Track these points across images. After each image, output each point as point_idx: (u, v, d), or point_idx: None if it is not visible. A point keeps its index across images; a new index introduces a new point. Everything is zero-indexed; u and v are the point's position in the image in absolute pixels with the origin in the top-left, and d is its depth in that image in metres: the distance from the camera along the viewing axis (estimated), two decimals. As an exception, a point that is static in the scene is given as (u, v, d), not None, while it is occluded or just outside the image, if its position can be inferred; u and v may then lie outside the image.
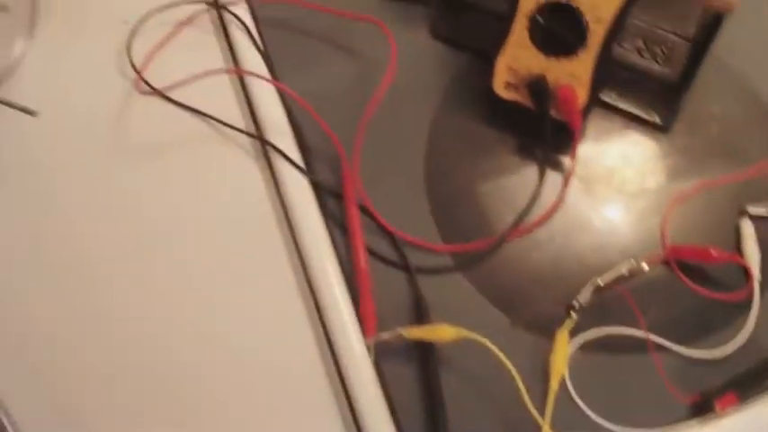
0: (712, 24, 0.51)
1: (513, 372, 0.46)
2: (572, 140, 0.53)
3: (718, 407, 0.46)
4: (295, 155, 0.54)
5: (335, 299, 0.50)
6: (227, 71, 0.58)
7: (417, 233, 0.52)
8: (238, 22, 0.58)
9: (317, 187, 0.53)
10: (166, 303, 0.51)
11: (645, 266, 0.51)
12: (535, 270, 0.52)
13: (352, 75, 0.57)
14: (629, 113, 0.56)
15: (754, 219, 0.53)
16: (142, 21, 0.58)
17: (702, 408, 0.47)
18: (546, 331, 0.49)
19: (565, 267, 0.52)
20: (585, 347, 0.49)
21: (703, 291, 0.50)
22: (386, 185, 0.54)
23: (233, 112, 0.57)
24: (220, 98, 0.57)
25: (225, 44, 0.59)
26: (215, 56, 0.59)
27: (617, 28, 0.49)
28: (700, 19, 0.52)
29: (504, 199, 0.54)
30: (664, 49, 0.55)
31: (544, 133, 0.53)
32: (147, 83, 0.56)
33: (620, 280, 0.51)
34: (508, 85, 0.53)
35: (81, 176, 0.55)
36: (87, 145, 0.56)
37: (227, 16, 0.59)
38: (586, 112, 0.53)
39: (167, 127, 0.56)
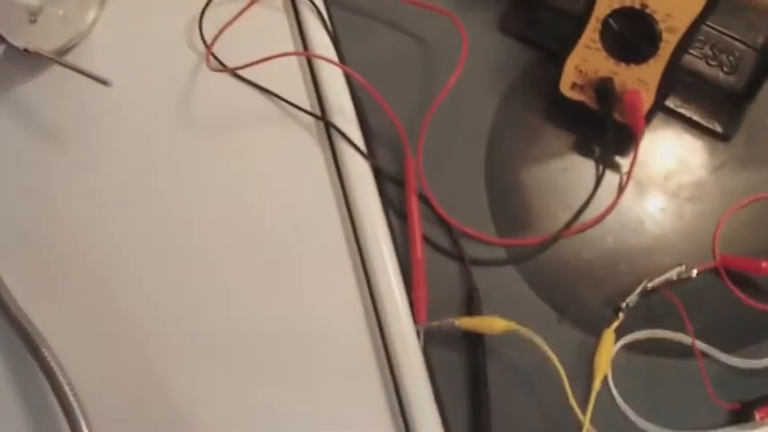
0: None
1: (559, 367, 0.47)
2: (633, 144, 0.54)
3: (758, 416, 0.48)
4: (358, 139, 0.55)
5: (389, 282, 0.51)
6: (296, 53, 0.59)
7: (473, 225, 0.54)
8: (309, 3, 0.59)
9: (378, 173, 0.55)
10: (224, 277, 0.53)
11: (694, 273, 0.52)
12: (586, 269, 0.53)
13: (421, 64, 0.58)
14: (691, 120, 0.57)
15: (808, 234, 0.53)
16: (214, -6, 0.59)
17: (742, 416, 0.48)
18: (592, 330, 0.51)
19: (615, 268, 0.53)
20: (630, 348, 0.50)
21: (751, 301, 0.51)
22: (445, 176, 0.55)
23: (298, 93, 0.57)
24: (286, 78, 0.58)
25: (294, 22, 0.60)
26: (284, 34, 0.59)
27: (690, 38, 0.49)
28: (770, 30, 0.53)
29: (561, 196, 0.55)
30: (731, 58, 0.55)
31: (606, 135, 0.54)
32: (216, 58, 0.57)
33: (668, 284, 0.52)
34: (574, 86, 0.54)
35: (146, 147, 0.56)
36: (153, 116, 0.57)
37: (299, -4, 0.60)
38: (650, 116, 0.54)
39: (233, 103, 0.57)
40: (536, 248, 0.54)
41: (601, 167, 0.55)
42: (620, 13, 0.50)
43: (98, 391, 0.48)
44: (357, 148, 0.55)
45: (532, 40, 0.58)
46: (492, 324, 0.49)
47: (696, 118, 0.57)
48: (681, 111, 0.57)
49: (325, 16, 0.59)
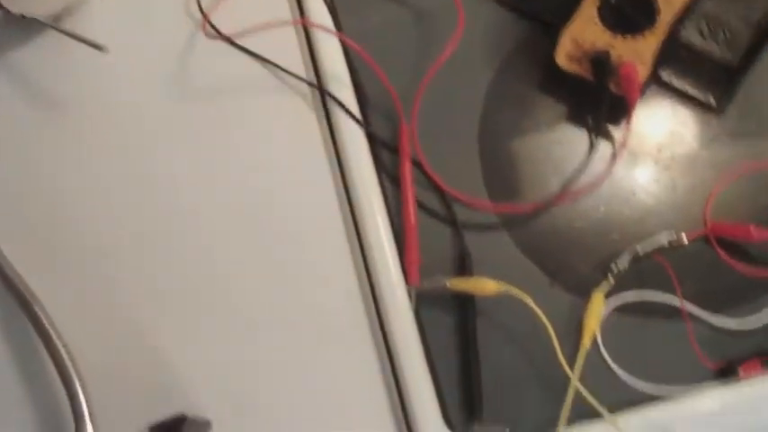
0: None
1: (549, 327, 0.47)
2: (627, 115, 0.54)
3: (741, 372, 0.48)
4: (353, 106, 0.55)
5: (381, 243, 0.52)
6: (293, 22, 0.59)
7: (466, 191, 0.54)
8: (306, -29, 0.60)
9: (373, 139, 0.55)
10: (219, 241, 0.53)
11: (684, 239, 0.53)
12: (578, 236, 0.54)
13: (417, 34, 0.58)
14: (684, 93, 0.57)
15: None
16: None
17: (727, 372, 0.49)
18: (583, 293, 0.51)
19: (607, 235, 0.54)
20: (620, 311, 0.51)
21: (740, 267, 0.52)
22: (440, 143, 0.55)
23: (294, 61, 0.57)
24: (283, 46, 0.58)
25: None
26: (281, 3, 0.59)
27: (686, 12, 0.50)
28: (766, 5, 0.53)
29: (553, 165, 0.55)
30: (726, 33, 0.55)
31: (600, 106, 0.54)
32: (213, 26, 0.58)
33: (659, 251, 0.52)
34: (570, 57, 0.54)
35: (142, 114, 0.56)
36: (150, 83, 0.57)
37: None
38: (644, 89, 0.54)
39: (229, 71, 0.57)
40: (529, 215, 0.54)
41: (594, 138, 0.55)
42: (617, -14, 0.51)
43: (91, 351, 0.49)
44: (352, 115, 0.55)
45: (529, 13, 0.58)
46: (483, 285, 0.49)
47: (690, 91, 0.57)
48: (675, 83, 0.57)
49: (322, -17, 0.60)
